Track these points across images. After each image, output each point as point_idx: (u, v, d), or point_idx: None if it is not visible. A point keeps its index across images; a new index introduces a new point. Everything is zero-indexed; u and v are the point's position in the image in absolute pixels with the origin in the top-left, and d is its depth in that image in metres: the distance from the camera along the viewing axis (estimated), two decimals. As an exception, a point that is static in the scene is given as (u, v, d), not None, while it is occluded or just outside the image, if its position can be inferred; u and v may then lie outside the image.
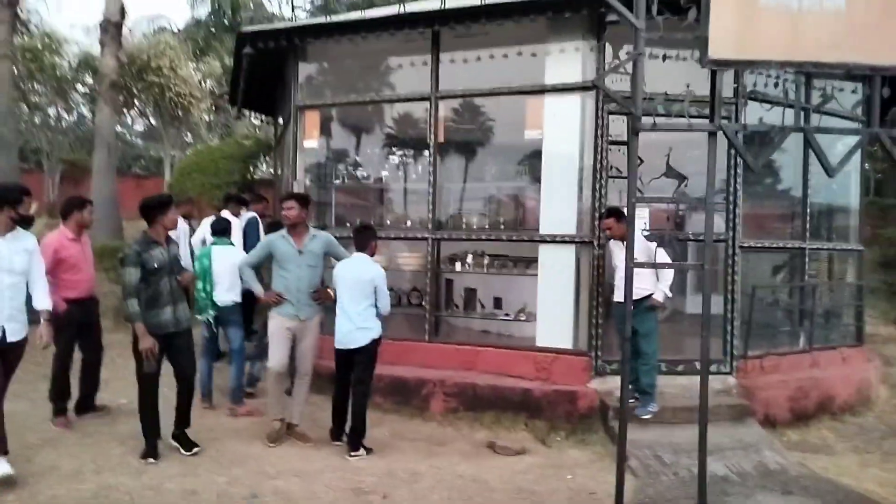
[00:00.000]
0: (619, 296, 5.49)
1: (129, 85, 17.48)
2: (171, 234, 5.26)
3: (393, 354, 6.87)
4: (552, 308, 6.50)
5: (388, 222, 8.33)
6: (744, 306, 6.55)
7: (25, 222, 4.80)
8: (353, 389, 5.39)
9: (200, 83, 19.22)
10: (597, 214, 6.29)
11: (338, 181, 8.60)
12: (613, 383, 6.23)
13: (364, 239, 5.49)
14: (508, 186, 8.31)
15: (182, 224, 7.28)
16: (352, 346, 5.31)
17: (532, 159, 7.69)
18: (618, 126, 6.33)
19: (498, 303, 7.38)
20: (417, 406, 6.43)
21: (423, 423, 6.29)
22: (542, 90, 6.60)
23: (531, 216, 7.84)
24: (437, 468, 5.13)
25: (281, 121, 10.72)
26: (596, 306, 6.29)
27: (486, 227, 7.24)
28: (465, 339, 7.16)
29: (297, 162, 7.66)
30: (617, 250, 5.81)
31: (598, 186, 6.31)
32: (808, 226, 7.11)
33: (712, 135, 3.65)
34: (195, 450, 5.11)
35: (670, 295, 5.82)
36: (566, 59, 6.44)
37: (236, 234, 7.09)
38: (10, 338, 4.41)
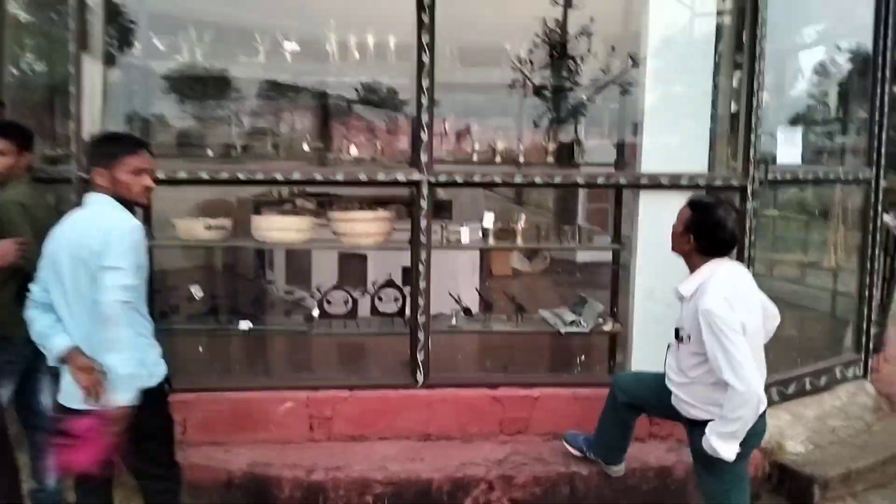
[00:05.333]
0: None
1: None
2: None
3: (352, 419, 3.48)
4: (668, 306, 3.59)
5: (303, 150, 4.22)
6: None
7: None
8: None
9: None
10: (752, 137, 3.50)
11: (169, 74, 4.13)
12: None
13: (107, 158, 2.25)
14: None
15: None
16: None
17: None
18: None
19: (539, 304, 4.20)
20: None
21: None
22: None
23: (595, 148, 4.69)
24: None
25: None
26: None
27: (521, 160, 3.85)
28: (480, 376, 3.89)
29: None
30: (684, 305, 2.60)
31: (754, 87, 3.49)
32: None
33: None
34: None
35: (729, 456, 2.38)
36: None
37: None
38: None
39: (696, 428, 2.52)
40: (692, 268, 2.55)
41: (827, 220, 5.24)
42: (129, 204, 2.26)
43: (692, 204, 2.56)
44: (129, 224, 2.16)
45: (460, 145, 4.62)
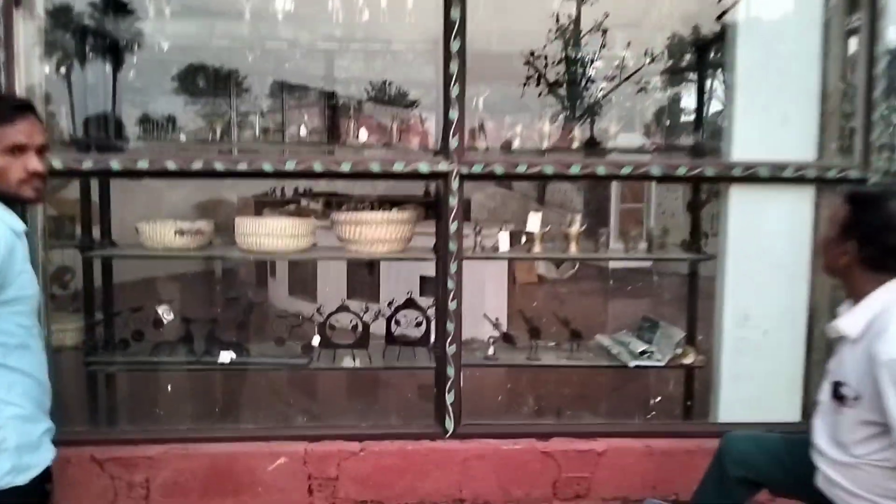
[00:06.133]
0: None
1: None
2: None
3: (363, 479, 2.74)
4: (767, 333, 2.83)
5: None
6: None
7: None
8: None
9: None
10: (873, 117, 2.72)
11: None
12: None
13: None
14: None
15: None
16: None
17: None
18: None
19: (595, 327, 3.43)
20: None
21: None
22: None
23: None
24: None
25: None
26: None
27: (575, 147, 3.08)
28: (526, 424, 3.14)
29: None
30: (847, 349, 1.77)
31: (875, 53, 2.72)
32: None
33: None
34: None
35: None
36: None
37: None
38: None
39: None
40: (857, 293, 1.76)
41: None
42: (14, 200, 1.52)
43: (852, 197, 1.78)
44: None
45: (475, 142, 3.92)
